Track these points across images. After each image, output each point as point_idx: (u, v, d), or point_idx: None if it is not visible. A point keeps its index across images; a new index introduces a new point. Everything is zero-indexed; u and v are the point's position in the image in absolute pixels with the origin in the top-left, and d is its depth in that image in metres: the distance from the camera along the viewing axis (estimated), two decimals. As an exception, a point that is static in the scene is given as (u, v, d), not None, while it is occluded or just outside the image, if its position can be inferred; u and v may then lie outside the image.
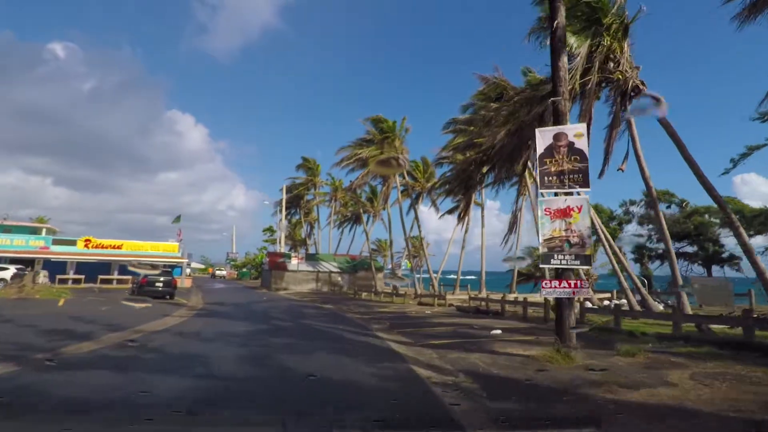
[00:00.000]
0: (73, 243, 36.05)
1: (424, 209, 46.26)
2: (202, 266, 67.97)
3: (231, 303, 22.30)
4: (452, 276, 38.63)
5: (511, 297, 20.99)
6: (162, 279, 22.38)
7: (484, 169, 24.41)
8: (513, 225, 30.74)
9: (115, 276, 36.46)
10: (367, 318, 16.10)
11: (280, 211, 50.67)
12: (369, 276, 39.79)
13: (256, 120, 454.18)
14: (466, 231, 33.81)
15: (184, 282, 40.57)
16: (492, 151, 23.00)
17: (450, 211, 41.09)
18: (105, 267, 36.13)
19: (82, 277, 34.27)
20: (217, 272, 70.84)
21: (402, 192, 45.11)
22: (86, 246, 35.94)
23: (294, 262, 36.57)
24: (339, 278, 39.69)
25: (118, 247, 37.52)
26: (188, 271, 61.04)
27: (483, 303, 20.41)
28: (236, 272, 73.49)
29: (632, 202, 35.58)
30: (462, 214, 35.77)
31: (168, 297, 22.20)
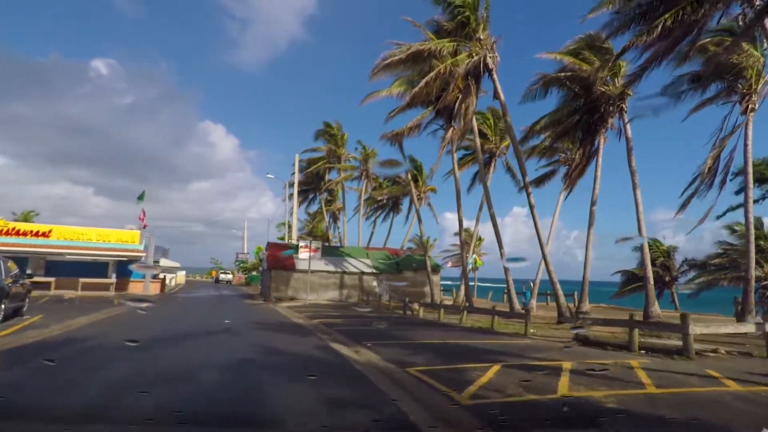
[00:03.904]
0: (-30, 227, 23.99)
1: (432, 208, 32.41)
2: (175, 264, 55.63)
3: (126, 339, 8.99)
4: (484, 284, 24.99)
5: None
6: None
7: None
8: (714, 170, 15.45)
9: (41, 278, 24.07)
10: None
11: (291, 197, 37.55)
12: (420, 280, 26.05)
13: (283, 128, 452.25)
14: (595, 190, 18.66)
15: (148, 287, 27.96)
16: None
17: (539, 180, 27.07)
18: (21, 263, 23.73)
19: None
20: (222, 276, 58.44)
21: (462, 159, 31.36)
22: (-9, 231, 23.78)
23: (304, 256, 23.03)
24: (374, 282, 26.01)
25: (45, 235, 25.21)
26: (181, 273, 48.74)
27: None
28: (245, 276, 61.11)
29: None
30: (579, 168, 20.96)
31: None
